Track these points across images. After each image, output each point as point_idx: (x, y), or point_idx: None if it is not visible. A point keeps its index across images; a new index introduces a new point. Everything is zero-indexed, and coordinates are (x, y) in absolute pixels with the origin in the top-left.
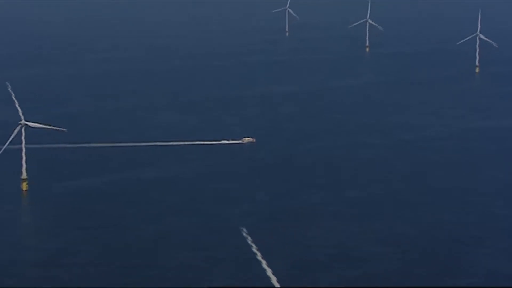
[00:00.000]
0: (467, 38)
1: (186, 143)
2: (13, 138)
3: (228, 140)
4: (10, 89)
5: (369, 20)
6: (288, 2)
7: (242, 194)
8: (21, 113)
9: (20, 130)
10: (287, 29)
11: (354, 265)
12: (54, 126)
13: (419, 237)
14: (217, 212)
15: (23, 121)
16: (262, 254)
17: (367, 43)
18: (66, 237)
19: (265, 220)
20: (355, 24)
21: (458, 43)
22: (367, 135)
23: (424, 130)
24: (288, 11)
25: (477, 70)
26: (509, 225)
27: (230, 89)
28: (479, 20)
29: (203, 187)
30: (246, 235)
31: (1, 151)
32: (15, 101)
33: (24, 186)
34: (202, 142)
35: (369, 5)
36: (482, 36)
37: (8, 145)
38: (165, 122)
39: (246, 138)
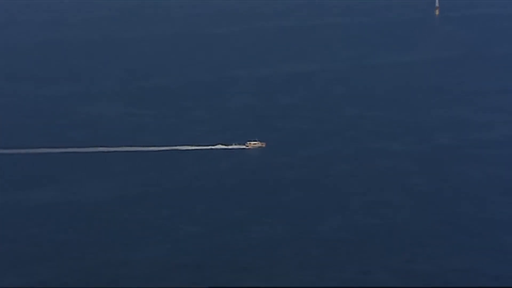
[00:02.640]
0: None
1: (156, 148)
2: None
3: (226, 144)
4: None
5: None
6: None
7: (168, 225)
8: None
9: None
10: None
11: None
12: None
13: None
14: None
15: None
16: None
17: (437, 3)
18: None
19: (168, 271)
20: None
21: None
22: (395, 138)
23: (481, 131)
24: None
25: None
26: None
27: (231, 69)
28: None
29: (115, 216)
30: None
31: None
32: None
33: None
34: (186, 147)
35: None
36: None
37: None
38: (116, 117)
39: (252, 142)
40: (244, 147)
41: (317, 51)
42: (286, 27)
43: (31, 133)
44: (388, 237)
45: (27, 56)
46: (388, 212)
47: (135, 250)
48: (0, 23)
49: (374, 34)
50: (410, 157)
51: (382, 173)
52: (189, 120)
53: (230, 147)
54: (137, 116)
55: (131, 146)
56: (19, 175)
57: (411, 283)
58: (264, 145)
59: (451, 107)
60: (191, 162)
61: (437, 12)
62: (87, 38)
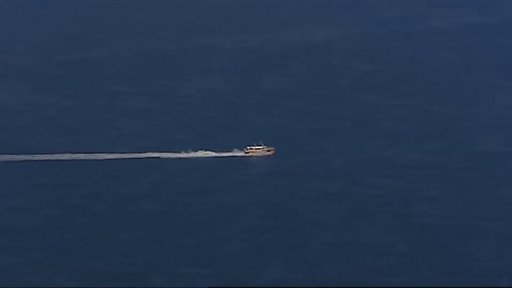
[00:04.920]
0: None
1: (56, 157)
2: None
3: (216, 151)
4: None
5: None
6: None
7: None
8: None
9: None
10: None
11: None
12: None
13: None
14: None
15: None
16: None
17: None
18: None
19: None
20: None
21: None
22: (417, 141)
23: None
24: None
25: None
26: None
27: (204, 35)
28: None
29: None
30: None
31: None
32: None
33: None
34: (153, 155)
35: None
36: None
37: None
38: (12, 109)
39: (254, 148)
40: (243, 154)
41: (340, 11)
42: None
43: None
44: None
45: None
46: (363, 257)
47: None
48: None
49: None
50: (429, 172)
51: (378, 197)
52: (123, 113)
53: (225, 154)
54: (45, 107)
55: (20, 153)
56: None
57: None
58: (272, 152)
59: None
60: (99, 178)
61: None
62: None
